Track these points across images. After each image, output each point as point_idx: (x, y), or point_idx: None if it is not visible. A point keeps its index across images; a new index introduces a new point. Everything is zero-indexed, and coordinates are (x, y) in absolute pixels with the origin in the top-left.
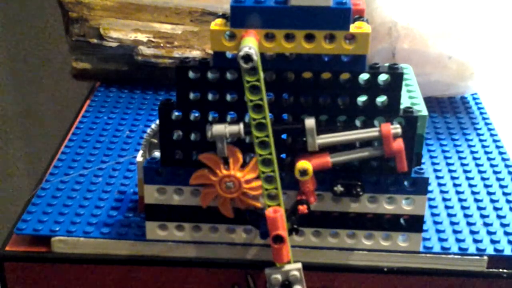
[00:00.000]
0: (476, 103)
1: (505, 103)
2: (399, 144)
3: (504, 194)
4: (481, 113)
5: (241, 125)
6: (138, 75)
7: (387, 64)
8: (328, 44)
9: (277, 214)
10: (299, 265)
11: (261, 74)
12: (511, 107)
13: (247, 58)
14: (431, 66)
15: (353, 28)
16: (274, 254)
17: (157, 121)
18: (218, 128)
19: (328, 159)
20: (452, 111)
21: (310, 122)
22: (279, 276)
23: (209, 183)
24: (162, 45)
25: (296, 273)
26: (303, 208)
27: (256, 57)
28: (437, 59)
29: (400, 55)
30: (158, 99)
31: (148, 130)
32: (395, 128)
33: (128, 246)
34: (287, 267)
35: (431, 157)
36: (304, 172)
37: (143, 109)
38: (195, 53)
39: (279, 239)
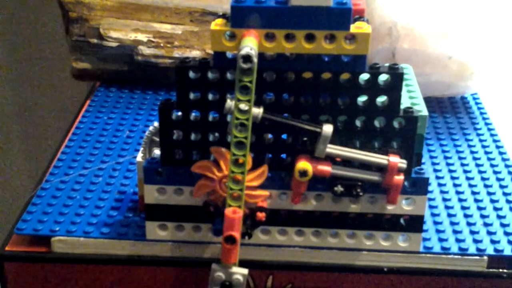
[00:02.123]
0: (476, 103)
1: (505, 103)
2: (399, 179)
3: (504, 194)
4: (481, 113)
5: (261, 109)
6: (138, 75)
7: (387, 64)
8: (328, 44)
9: (235, 215)
10: (245, 271)
11: (255, 77)
12: (511, 107)
13: (247, 58)
14: (431, 66)
15: (353, 28)
16: (223, 253)
17: (156, 122)
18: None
19: (329, 169)
20: (452, 111)
21: (327, 129)
22: (222, 275)
23: (210, 176)
24: (162, 45)
25: (239, 277)
26: (261, 216)
27: (255, 59)
28: (437, 59)
29: (400, 55)
30: (158, 99)
31: (149, 130)
32: (402, 162)
33: (128, 246)
34: (234, 269)
35: (431, 157)
36: (304, 173)
37: (143, 109)
38: (195, 53)
39: (231, 240)
